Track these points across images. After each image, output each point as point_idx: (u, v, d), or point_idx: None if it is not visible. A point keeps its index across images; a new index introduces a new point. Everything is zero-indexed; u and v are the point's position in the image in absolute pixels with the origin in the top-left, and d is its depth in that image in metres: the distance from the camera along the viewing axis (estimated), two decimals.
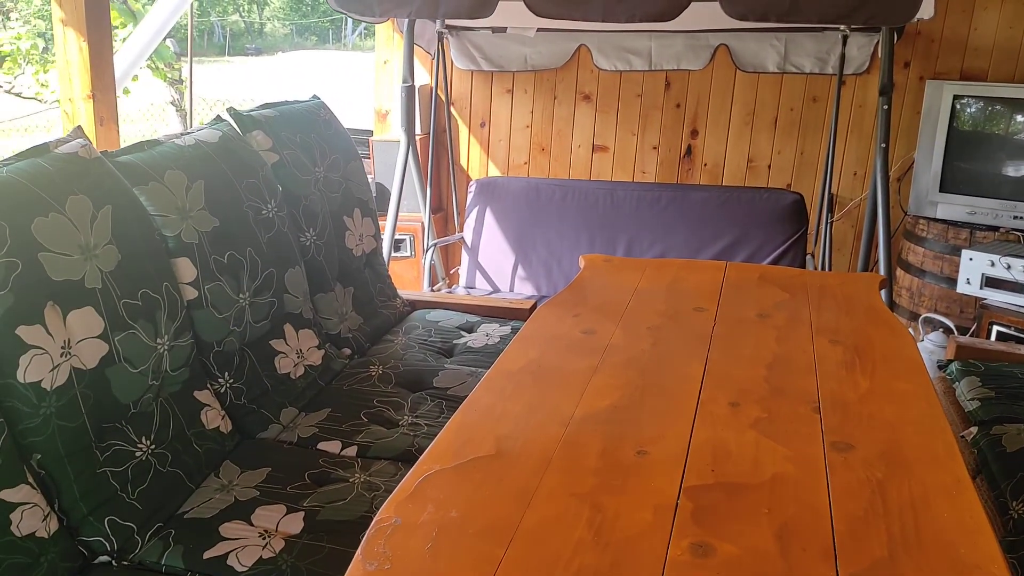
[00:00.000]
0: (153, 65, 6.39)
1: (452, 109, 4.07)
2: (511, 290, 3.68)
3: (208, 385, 1.99)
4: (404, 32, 3.43)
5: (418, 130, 3.86)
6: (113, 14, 5.94)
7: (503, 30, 3.83)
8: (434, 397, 2.23)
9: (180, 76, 6.46)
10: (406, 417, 2.13)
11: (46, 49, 6.69)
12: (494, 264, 3.72)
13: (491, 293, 3.66)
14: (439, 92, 3.99)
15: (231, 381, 2.05)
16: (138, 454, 1.72)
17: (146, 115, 7.83)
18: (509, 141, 4.04)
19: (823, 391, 1.75)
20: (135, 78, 6.76)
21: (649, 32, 3.83)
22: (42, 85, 6.68)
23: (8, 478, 1.47)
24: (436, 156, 4.04)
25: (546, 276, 3.65)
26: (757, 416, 1.63)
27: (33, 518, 1.50)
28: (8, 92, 6.71)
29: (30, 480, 1.52)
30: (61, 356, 1.57)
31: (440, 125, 4.01)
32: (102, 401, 1.67)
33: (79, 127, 1.88)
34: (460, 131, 4.08)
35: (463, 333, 2.68)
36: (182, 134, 2.15)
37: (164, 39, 6.33)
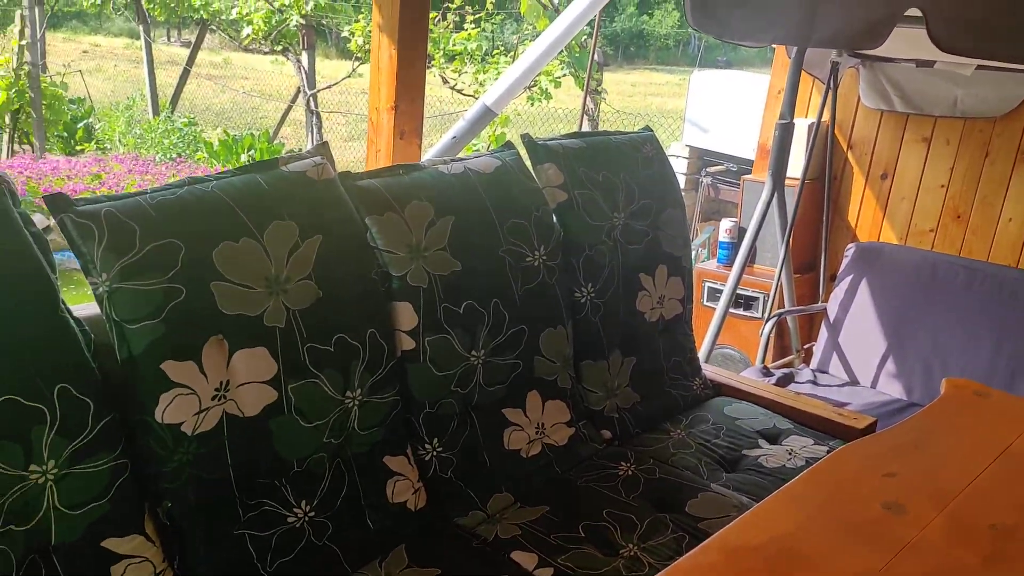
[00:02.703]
0: (575, 73, 6.46)
1: (849, 154, 3.38)
2: (873, 386, 2.94)
3: (408, 450, 1.73)
4: (791, 59, 2.87)
5: (797, 173, 3.26)
6: (544, 21, 6.08)
7: (930, 64, 3.06)
8: (679, 526, 1.74)
9: (598, 86, 6.44)
10: (632, 545, 1.67)
11: (488, 52, 7.13)
12: (858, 349, 3.01)
13: (845, 385, 2.96)
14: (836, 132, 3.34)
15: (439, 449, 1.77)
16: (291, 519, 1.51)
17: (550, 119, 7.94)
18: (915, 201, 3.25)
19: None
20: (557, 84, 6.91)
21: None
22: (480, 84, 7.12)
23: (118, 525, 1.33)
24: (816, 207, 3.40)
25: (923, 378, 2.85)
26: None
27: (140, 574, 1.35)
28: (452, 88, 7.26)
29: (148, 531, 1.37)
30: (213, 399, 1.40)
31: (826, 170, 3.35)
32: (258, 454, 1.48)
33: (325, 143, 1.72)
34: (854, 181, 3.38)
35: (762, 442, 2.11)
36: (451, 160, 1.91)
37: (592, 54, 6.33)
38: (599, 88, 6.42)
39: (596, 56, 6.48)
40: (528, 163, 2.05)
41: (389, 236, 1.70)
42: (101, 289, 1.33)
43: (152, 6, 9.59)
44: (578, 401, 2.06)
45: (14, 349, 1.21)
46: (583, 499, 1.82)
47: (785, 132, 2.94)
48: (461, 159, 1.92)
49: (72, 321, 1.31)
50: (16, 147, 7.90)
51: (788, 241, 3.05)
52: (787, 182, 3.09)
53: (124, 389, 1.35)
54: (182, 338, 1.37)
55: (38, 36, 7.44)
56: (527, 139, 2.09)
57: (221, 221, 1.46)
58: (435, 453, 1.77)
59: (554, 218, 2.02)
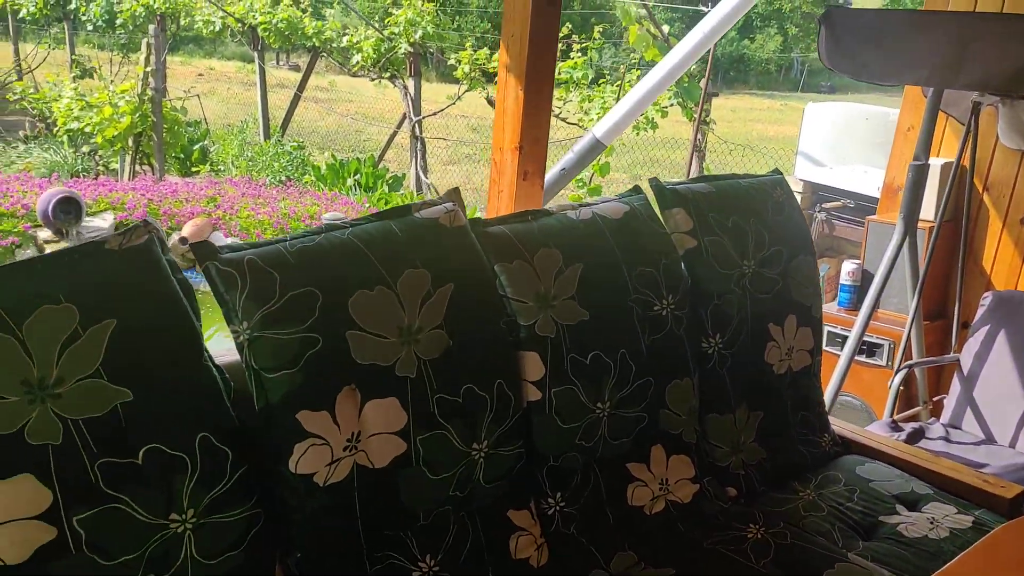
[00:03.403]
0: (683, 103, 6.36)
1: (985, 196, 3.20)
2: (1012, 445, 2.76)
3: (531, 505, 1.68)
4: (928, 99, 2.74)
5: (931, 215, 3.11)
6: (653, 51, 6.02)
7: None
8: None
9: (707, 117, 6.32)
10: None
11: (594, 80, 7.10)
12: (995, 405, 2.82)
13: (981, 443, 2.78)
14: (973, 175, 3.17)
15: (562, 504, 1.72)
16: (416, 573, 1.48)
17: (652, 146, 7.82)
18: None
19: None
20: (664, 114, 6.82)
21: None
22: (584, 112, 7.10)
23: (251, 575, 1.32)
24: (948, 252, 3.22)
25: None
26: None
27: None
28: (556, 116, 7.26)
29: None
30: (345, 450, 1.39)
31: (962, 213, 3.18)
32: (385, 506, 1.46)
33: (455, 189, 1.70)
34: (990, 225, 3.20)
35: (899, 508, 1.98)
36: (580, 205, 1.87)
37: (698, 80, 6.24)
38: (707, 119, 6.31)
39: (704, 85, 6.38)
40: (656, 207, 2.00)
41: (518, 284, 1.67)
42: (242, 337, 1.33)
43: (267, 34, 9.93)
44: (703, 456, 1.98)
45: (161, 397, 1.22)
46: (711, 563, 1.74)
47: (919, 174, 2.80)
48: (589, 204, 1.88)
49: (214, 369, 1.32)
50: (136, 167, 8.26)
51: (920, 289, 2.89)
52: (919, 224, 2.94)
53: (260, 438, 1.35)
54: (317, 388, 1.37)
55: (161, 62, 7.77)
56: (655, 183, 2.03)
57: (357, 269, 1.45)
58: (558, 508, 1.72)
59: (682, 265, 1.96)
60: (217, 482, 1.27)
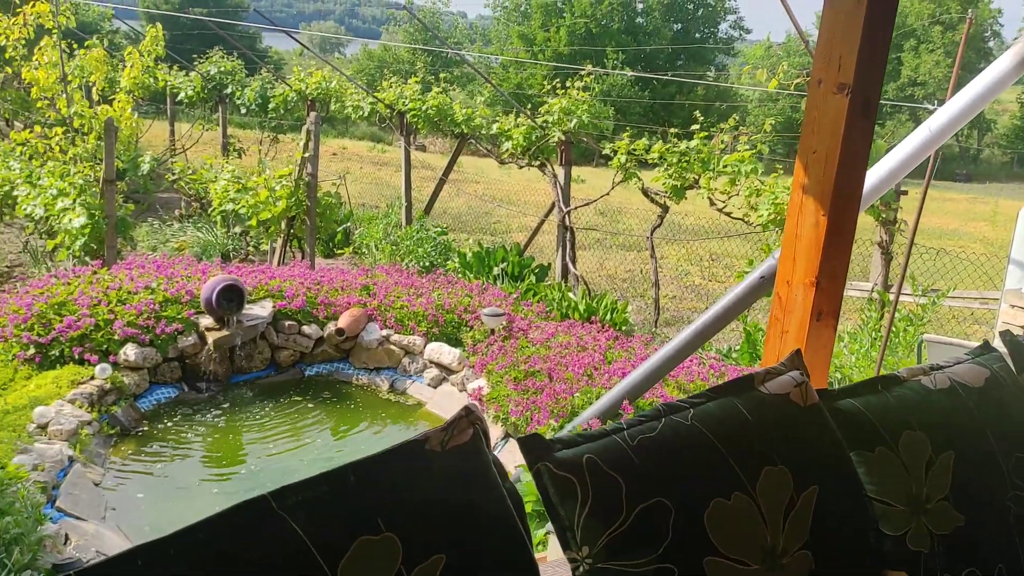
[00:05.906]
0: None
1: None
2: None
3: None
4: None
5: None
6: None
7: None
8: None
9: (895, 217, 5.82)
10: None
11: (765, 172, 6.70)
12: None
13: None
14: None
15: None
16: None
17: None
18: None
19: None
20: None
21: None
22: (751, 208, 6.70)
23: None
24: None
25: None
26: None
27: None
28: (719, 210, 6.88)
29: None
30: None
31: None
32: None
33: (797, 352, 1.35)
34: None
35: None
36: (932, 369, 1.48)
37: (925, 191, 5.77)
38: (898, 220, 5.81)
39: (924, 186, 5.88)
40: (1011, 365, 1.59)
41: (884, 481, 1.29)
42: (582, 568, 1.00)
43: (417, 120, 10.01)
44: None
45: None
46: None
47: None
48: (943, 368, 1.49)
49: None
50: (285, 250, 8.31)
51: None
52: None
53: None
54: None
55: (317, 148, 7.83)
56: (1009, 338, 1.63)
57: (709, 470, 1.11)
58: None
59: None
60: None
